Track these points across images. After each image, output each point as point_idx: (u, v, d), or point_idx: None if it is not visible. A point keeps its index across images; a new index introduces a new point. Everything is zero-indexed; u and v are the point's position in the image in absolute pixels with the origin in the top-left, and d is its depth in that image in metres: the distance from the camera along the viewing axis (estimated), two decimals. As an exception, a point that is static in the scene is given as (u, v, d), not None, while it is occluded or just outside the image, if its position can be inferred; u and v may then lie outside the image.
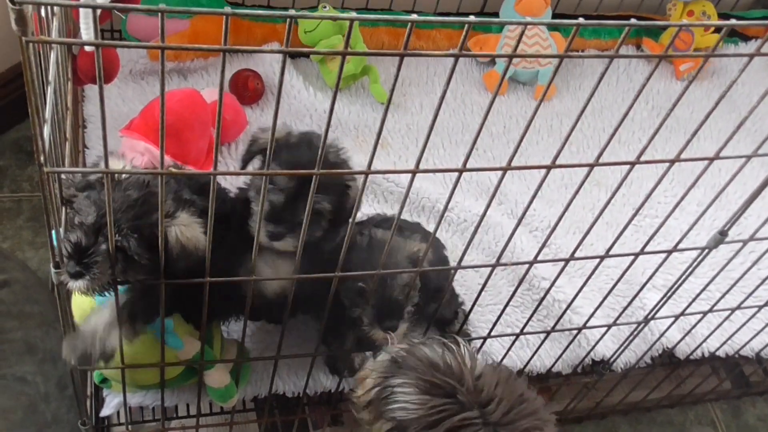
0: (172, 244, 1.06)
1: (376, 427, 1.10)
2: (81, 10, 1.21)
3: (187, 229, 1.10)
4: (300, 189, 1.21)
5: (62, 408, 1.58)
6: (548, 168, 1.02)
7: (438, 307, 1.39)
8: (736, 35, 2.64)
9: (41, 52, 1.06)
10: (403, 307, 1.32)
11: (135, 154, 1.59)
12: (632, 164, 1.06)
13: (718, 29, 2.53)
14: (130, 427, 1.58)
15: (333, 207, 1.28)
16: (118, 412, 1.60)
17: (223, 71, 0.77)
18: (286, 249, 1.26)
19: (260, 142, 1.33)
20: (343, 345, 1.46)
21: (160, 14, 0.72)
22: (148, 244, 1.09)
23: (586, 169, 1.07)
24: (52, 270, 1.02)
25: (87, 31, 1.26)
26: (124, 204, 1.08)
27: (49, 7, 1.11)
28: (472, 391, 1.02)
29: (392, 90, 0.85)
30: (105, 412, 1.55)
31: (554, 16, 2.45)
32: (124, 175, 1.10)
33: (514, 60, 2.28)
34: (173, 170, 0.86)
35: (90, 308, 1.27)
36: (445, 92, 0.85)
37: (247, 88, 2.02)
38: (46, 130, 0.89)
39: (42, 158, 0.82)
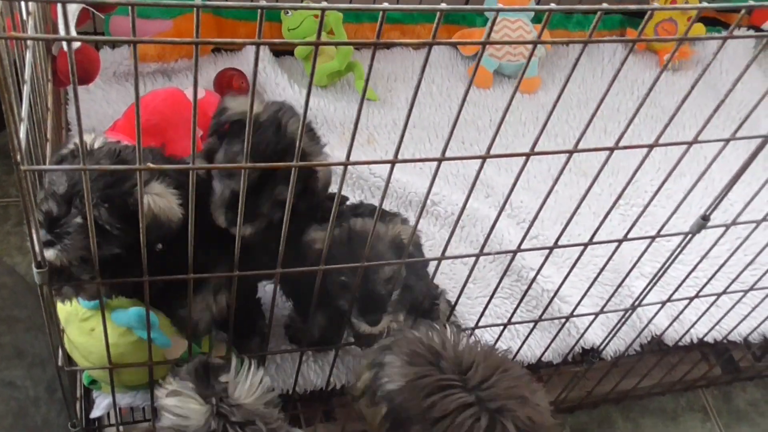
0: (144, 213, 1.02)
1: (373, 414, 1.12)
2: (58, 7, 1.21)
3: (160, 199, 1.09)
4: (264, 177, 1.17)
5: (52, 412, 1.57)
6: (527, 155, 1.02)
7: (412, 296, 1.39)
8: (719, 24, 2.65)
9: (17, 51, 1.06)
10: (386, 300, 1.32)
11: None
12: (611, 150, 1.07)
13: (700, 18, 2.54)
14: (121, 428, 1.58)
15: (298, 194, 1.19)
16: (108, 414, 1.59)
17: (196, 63, 0.78)
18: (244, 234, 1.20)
19: (228, 112, 1.27)
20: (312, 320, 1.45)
21: (131, 8, 0.72)
22: (120, 214, 1.08)
23: (573, 162, 1.08)
24: (35, 270, 1.01)
25: (63, 28, 1.26)
26: (94, 173, 1.07)
27: (24, 5, 1.11)
28: (453, 359, 1.05)
29: (367, 79, 0.85)
30: (95, 413, 1.55)
31: (538, 8, 2.46)
32: (96, 146, 1.10)
33: (499, 53, 2.29)
34: (151, 165, 0.86)
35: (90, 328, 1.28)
36: (419, 81, 0.85)
37: (232, 87, 2.02)
38: (23, 129, 0.88)
39: (18, 156, 0.82)
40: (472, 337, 1.15)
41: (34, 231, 0.92)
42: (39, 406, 1.56)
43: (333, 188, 1.35)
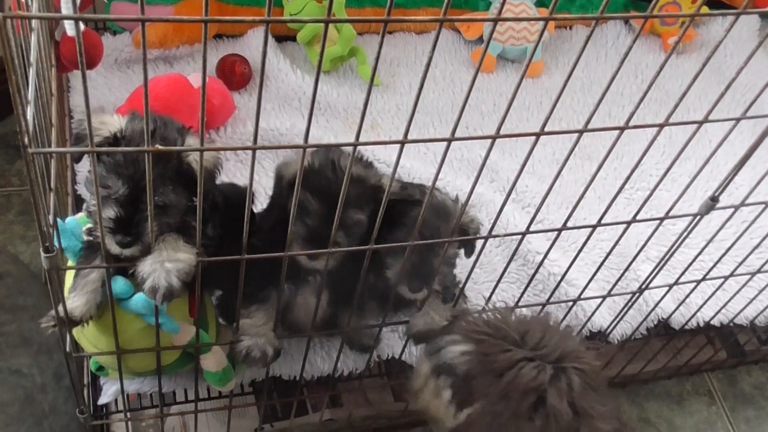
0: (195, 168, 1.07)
1: (437, 403, 1.16)
2: (61, -8, 1.20)
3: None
4: (331, 210, 1.17)
5: (59, 398, 1.58)
6: (537, 135, 1.01)
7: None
8: (723, 6, 2.64)
9: (22, 34, 1.05)
10: (434, 275, 1.37)
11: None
12: (621, 129, 1.06)
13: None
14: (128, 414, 1.58)
15: (369, 216, 1.31)
16: (116, 400, 1.59)
17: (205, 42, 0.77)
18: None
19: (287, 177, 1.33)
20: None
21: (139, -14, 0.71)
22: (184, 186, 1.14)
23: (578, 146, 1.07)
24: (43, 255, 1.01)
25: (66, 7, 1.25)
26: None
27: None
28: (507, 329, 1.09)
29: (377, 59, 0.84)
30: (103, 400, 1.55)
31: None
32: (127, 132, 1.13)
33: (503, 37, 2.28)
34: (159, 147, 0.85)
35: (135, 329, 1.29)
36: (430, 59, 0.84)
37: (234, 73, 2.01)
38: (30, 112, 0.88)
39: (26, 139, 0.81)
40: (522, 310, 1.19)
41: (42, 214, 0.91)
42: (46, 393, 1.56)
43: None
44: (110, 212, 1.11)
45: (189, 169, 1.15)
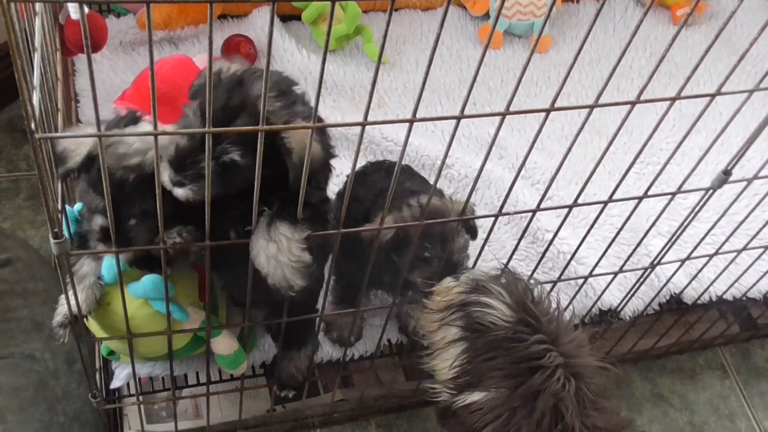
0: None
1: (439, 335, 1.16)
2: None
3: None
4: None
5: (72, 383, 1.58)
6: (547, 111, 1.00)
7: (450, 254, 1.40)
8: (732, -23, 2.61)
9: (26, 18, 1.04)
10: (460, 267, 1.39)
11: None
12: (632, 104, 1.04)
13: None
14: (140, 397, 1.58)
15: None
16: (128, 384, 1.60)
17: (211, 23, 0.76)
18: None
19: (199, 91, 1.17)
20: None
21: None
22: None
23: (588, 121, 1.05)
24: (52, 241, 1.00)
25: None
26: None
27: (30, -27, 1.09)
28: (546, 323, 1.09)
29: (385, 35, 0.82)
30: (115, 384, 1.55)
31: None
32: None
33: (509, 13, 2.26)
34: (167, 129, 0.84)
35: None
36: (438, 36, 0.82)
37: (240, 54, 2.00)
38: (36, 96, 0.87)
39: (33, 124, 0.80)
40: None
41: (51, 200, 0.91)
42: (59, 378, 1.56)
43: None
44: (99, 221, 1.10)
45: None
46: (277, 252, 1.07)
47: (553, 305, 1.15)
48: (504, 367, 1.07)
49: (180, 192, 1.10)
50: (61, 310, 1.23)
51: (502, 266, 1.23)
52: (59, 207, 1.03)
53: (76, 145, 1.11)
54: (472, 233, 1.48)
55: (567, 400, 1.04)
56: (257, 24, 2.12)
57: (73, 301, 1.18)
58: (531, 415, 1.04)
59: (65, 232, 1.01)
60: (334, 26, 2.07)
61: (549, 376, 1.04)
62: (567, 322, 1.14)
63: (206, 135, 0.87)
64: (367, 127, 0.94)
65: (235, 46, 2.00)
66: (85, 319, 1.27)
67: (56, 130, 1.27)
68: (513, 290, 1.12)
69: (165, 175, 1.09)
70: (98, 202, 1.12)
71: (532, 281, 1.18)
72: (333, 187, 1.74)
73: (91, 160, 1.12)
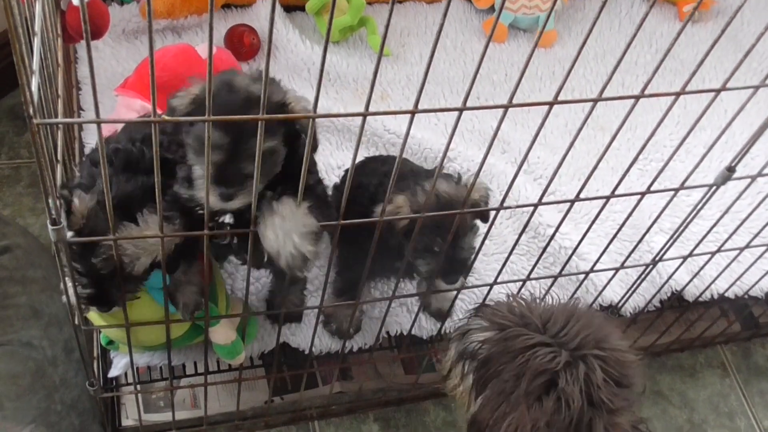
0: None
1: (463, 388, 1.17)
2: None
3: None
4: (237, 144, 1.08)
5: (70, 371, 1.58)
6: (550, 104, 0.99)
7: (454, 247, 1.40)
8: (739, -26, 2.59)
9: (26, 3, 1.03)
10: (467, 264, 1.39)
11: (131, 113, 1.57)
12: (637, 98, 1.03)
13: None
14: (138, 386, 1.58)
15: (282, 147, 1.15)
16: (126, 373, 1.59)
17: (211, 14, 0.75)
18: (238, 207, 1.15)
19: (178, 105, 1.19)
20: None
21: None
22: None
23: (591, 116, 1.04)
24: (50, 227, 1.00)
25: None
26: None
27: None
28: (534, 317, 1.09)
29: (387, 26, 0.82)
30: (113, 373, 1.55)
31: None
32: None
33: (514, 6, 2.24)
34: (165, 117, 0.84)
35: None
36: (441, 28, 0.82)
37: (243, 44, 1.99)
38: (34, 82, 0.86)
39: (31, 110, 0.80)
40: (548, 298, 1.18)
41: (49, 187, 0.90)
42: (57, 366, 1.56)
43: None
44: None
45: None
46: (282, 221, 1.07)
47: (531, 302, 1.16)
48: (497, 366, 1.08)
49: (229, 204, 1.11)
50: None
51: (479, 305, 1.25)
52: (57, 194, 1.03)
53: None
54: (483, 218, 1.47)
55: (561, 373, 1.03)
56: (261, 14, 2.11)
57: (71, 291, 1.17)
58: (526, 395, 1.04)
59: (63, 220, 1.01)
60: (338, 17, 2.06)
61: (531, 355, 1.04)
62: (549, 308, 1.13)
63: (206, 123, 0.86)
64: (370, 120, 0.93)
65: (238, 36, 1.99)
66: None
67: (56, 117, 1.26)
68: (489, 314, 1.14)
69: (214, 196, 1.09)
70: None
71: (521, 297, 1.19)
72: (335, 179, 1.74)
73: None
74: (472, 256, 1.42)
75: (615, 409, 1.04)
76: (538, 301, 1.16)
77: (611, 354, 1.06)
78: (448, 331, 1.72)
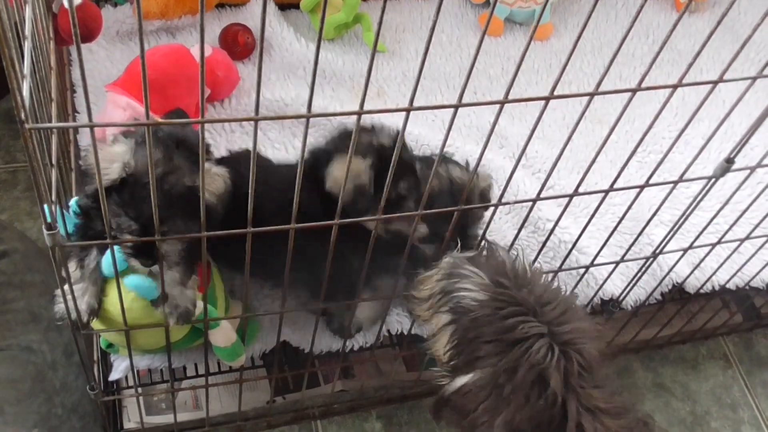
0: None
1: (434, 322, 1.16)
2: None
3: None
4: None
5: (70, 375, 1.57)
6: (546, 99, 0.98)
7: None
8: (735, -36, 2.58)
9: (15, 6, 1.02)
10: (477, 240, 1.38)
11: (117, 110, 1.56)
12: (634, 91, 1.03)
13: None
14: (139, 389, 1.57)
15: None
16: (126, 376, 1.59)
17: (202, 13, 0.74)
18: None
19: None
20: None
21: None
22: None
23: (589, 109, 1.04)
24: (45, 232, 0.99)
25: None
26: None
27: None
28: (533, 291, 1.09)
29: (380, 23, 0.81)
30: (113, 376, 1.55)
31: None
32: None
33: (510, 0, 2.23)
34: (159, 120, 0.83)
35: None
36: (434, 23, 0.81)
37: (238, 43, 1.98)
38: (26, 86, 0.86)
39: (22, 114, 0.79)
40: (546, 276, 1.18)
41: (43, 191, 0.89)
42: (57, 370, 1.55)
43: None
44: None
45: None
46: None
47: (536, 272, 1.14)
48: (487, 346, 1.06)
49: None
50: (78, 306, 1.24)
51: (485, 242, 1.23)
52: (52, 198, 1.02)
53: (108, 162, 1.11)
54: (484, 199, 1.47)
55: (551, 369, 1.03)
56: (255, 13, 2.10)
57: (70, 296, 1.17)
58: (517, 390, 1.03)
59: (59, 225, 1.00)
60: (333, 15, 2.05)
61: (528, 347, 1.04)
62: (550, 288, 1.12)
63: (201, 125, 0.86)
64: (366, 117, 0.93)
65: (233, 35, 1.98)
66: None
67: (50, 121, 1.26)
68: (489, 267, 1.12)
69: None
70: (131, 223, 1.14)
71: (513, 252, 1.18)
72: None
73: (124, 180, 1.13)
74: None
75: (589, 391, 1.06)
76: (541, 276, 1.15)
77: (594, 353, 1.08)
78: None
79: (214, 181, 1.14)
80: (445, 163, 1.41)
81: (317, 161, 1.35)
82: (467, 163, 1.42)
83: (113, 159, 1.12)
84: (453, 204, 1.28)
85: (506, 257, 1.14)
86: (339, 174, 1.27)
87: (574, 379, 1.04)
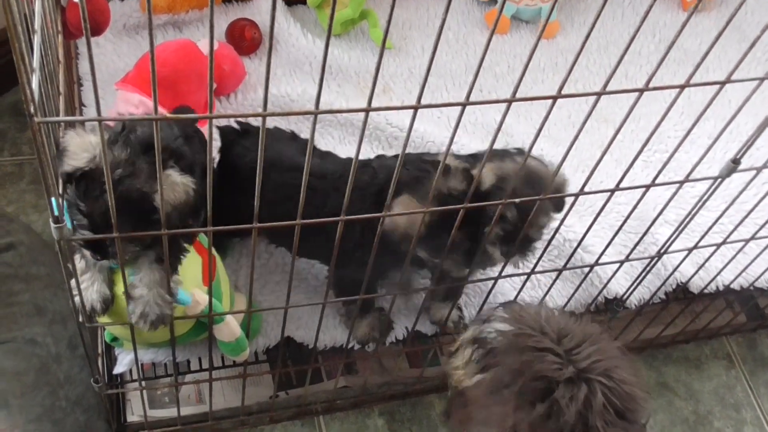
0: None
1: (464, 372, 1.17)
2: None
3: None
4: None
5: (74, 368, 1.57)
6: (554, 98, 0.98)
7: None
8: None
9: (26, 3, 1.03)
10: (533, 244, 1.42)
11: (129, 107, 1.56)
12: (641, 91, 1.02)
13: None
14: (143, 383, 1.58)
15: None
16: (131, 369, 1.59)
17: (212, 8, 0.74)
18: None
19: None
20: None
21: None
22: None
23: (591, 107, 1.04)
24: (53, 225, 1.00)
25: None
26: None
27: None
28: (553, 330, 1.08)
29: (389, 20, 0.81)
30: (118, 370, 1.55)
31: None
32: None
33: (516, -2, 2.24)
34: (168, 115, 0.83)
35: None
36: (444, 22, 0.81)
37: (244, 38, 1.98)
38: (35, 80, 0.86)
39: (32, 108, 0.79)
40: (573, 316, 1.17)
41: (51, 185, 0.89)
42: (61, 363, 1.55)
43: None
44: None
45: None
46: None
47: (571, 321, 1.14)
48: (506, 356, 1.07)
49: None
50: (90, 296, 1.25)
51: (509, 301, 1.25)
52: (60, 191, 1.02)
53: (81, 149, 1.10)
54: (558, 207, 1.47)
55: (561, 381, 1.02)
56: (262, 8, 2.10)
57: (78, 288, 1.17)
58: (517, 381, 1.04)
59: (66, 219, 1.01)
60: (340, 11, 2.05)
61: (543, 356, 1.04)
62: (588, 329, 1.11)
63: (209, 121, 0.86)
64: (372, 114, 0.93)
65: (239, 30, 1.98)
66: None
67: (57, 114, 1.26)
68: (518, 311, 1.14)
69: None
70: (80, 217, 1.13)
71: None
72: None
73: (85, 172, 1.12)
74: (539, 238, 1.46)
75: None
76: (561, 314, 1.15)
77: (618, 385, 1.04)
78: (453, 324, 1.72)
79: (174, 190, 1.13)
80: (522, 153, 1.44)
81: (387, 182, 1.34)
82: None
83: (86, 148, 1.11)
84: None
85: (528, 308, 1.16)
86: (399, 219, 1.30)
87: (594, 417, 1.01)
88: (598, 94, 1.01)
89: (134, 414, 1.68)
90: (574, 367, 1.03)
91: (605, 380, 1.03)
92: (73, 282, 1.14)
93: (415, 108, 0.92)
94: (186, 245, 1.28)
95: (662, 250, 1.52)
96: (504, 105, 0.98)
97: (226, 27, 2.01)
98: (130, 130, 1.13)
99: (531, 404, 1.02)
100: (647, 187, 1.26)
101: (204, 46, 1.77)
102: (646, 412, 1.08)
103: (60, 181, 1.10)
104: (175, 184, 1.13)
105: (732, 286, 1.81)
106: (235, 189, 1.34)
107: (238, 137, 1.55)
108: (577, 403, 1.00)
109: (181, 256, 1.27)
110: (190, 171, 1.17)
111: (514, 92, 0.96)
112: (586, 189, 1.21)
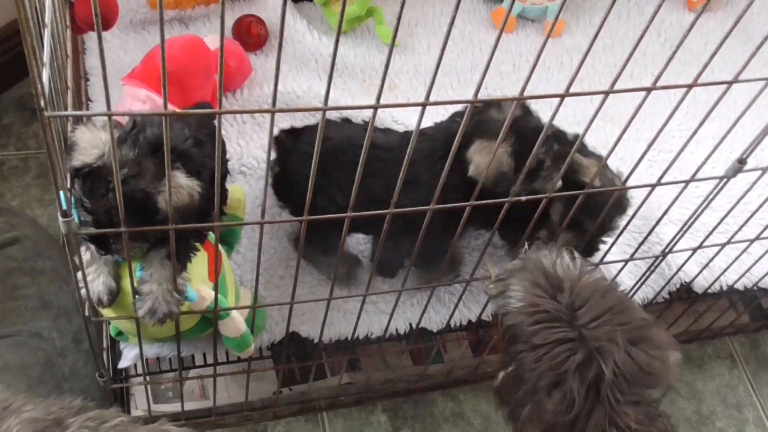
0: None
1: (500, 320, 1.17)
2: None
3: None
4: None
5: (79, 362, 1.58)
6: (561, 97, 0.98)
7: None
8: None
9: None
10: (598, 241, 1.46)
11: (136, 102, 1.56)
12: (648, 90, 1.03)
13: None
14: (147, 377, 1.58)
15: None
16: (135, 364, 1.60)
17: (223, 5, 0.74)
18: None
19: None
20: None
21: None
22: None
23: (598, 106, 1.04)
24: (60, 219, 1.00)
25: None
26: None
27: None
28: (570, 295, 1.06)
29: (399, 17, 0.81)
30: (122, 364, 1.56)
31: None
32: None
33: (522, -4, 2.23)
34: (177, 111, 0.84)
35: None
36: (453, 21, 0.81)
37: (251, 34, 1.98)
38: (45, 74, 0.86)
39: (42, 102, 0.80)
40: (598, 272, 1.15)
41: (59, 179, 0.90)
42: (66, 357, 1.56)
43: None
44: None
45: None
46: None
47: (580, 273, 1.10)
48: (523, 348, 1.07)
49: None
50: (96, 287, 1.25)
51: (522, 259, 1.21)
52: (68, 186, 1.03)
53: (91, 145, 1.11)
54: (621, 209, 1.49)
55: (570, 373, 1.02)
56: (269, 4, 2.10)
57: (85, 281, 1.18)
58: (538, 391, 1.03)
59: (74, 213, 1.01)
60: (346, 7, 2.05)
61: (554, 347, 1.03)
62: (590, 290, 1.08)
63: (218, 117, 0.86)
64: (379, 111, 0.93)
65: (246, 26, 1.98)
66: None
67: (65, 109, 1.26)
68: (529, 274, 1.11)
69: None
70: (85, 214, 1.14)
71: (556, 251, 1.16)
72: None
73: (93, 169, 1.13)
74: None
75: (624, 407, 1.02)
76: (585, 271, 1.11)
77: (633, 359, 1.02)
78: (454, 324, 1.73)
79: (178, 193, 1.13)
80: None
81: (450, 139, 1.32)
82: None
83: (96, 144, 1.11)
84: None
85: (548, 260, 1.12)
86: (481, 161, 1.34)
87: (605, 387, 1.01)
88: (606, 93, 1.02)
89: (138, 408, 1.69)
90: (586, 346, 1.01)
91: (616, 354, 1.02)
92: (79, 275, 1.14)
93: (423, 105, 0.93)
94: (196, 243, 1.29)
95: (667, 250, 1.52)
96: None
97: (232, 23, 2.01)
98: (139, 129, 1.13)
99: (549, 396, 1.02)
100: (652, 186, 1.26)
101: (211, 42, 1.77)
102: (670, 378, 1.09)
103: (68, 175, 1.10)
104: (179, 186, 1.13)
105: (735, 286, 1.81)
106: (327, 181, 1.39)
107: (294, 141, 1.58)
108: (587, 383, 1.01)
109: (191, 254, 1.27)
110: (197, 174, 1.17)
111: (522, 91, 0.97)
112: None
